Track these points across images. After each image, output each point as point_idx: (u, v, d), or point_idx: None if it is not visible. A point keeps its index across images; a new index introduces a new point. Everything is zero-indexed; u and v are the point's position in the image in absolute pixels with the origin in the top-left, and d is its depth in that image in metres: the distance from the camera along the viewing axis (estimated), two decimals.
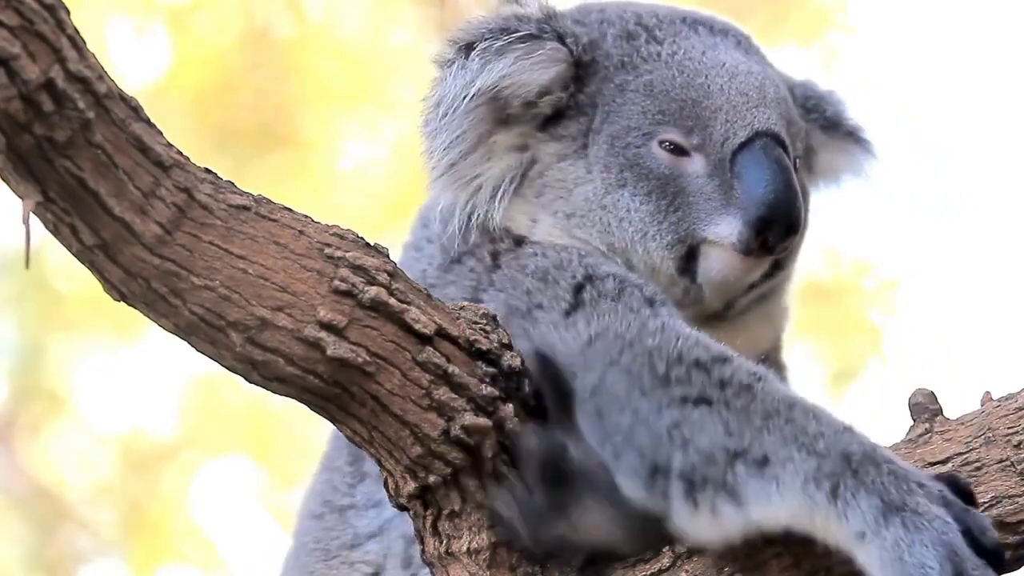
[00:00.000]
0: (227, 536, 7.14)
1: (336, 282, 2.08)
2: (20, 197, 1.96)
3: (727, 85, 2.34)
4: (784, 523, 1.97)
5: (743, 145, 2.30)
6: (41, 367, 7.47)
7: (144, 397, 7.32)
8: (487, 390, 2.13)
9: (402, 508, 2.19)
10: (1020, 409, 2.21)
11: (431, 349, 2.11)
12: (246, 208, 2.07)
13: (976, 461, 2.19)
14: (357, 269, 2.09)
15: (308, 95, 7.01)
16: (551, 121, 2.36)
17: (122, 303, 2.07)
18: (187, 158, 2.05)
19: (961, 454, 2.20)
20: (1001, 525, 2.16)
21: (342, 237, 2.12)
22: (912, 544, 1.90)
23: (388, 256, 2.14)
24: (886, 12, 7.35)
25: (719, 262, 2.31)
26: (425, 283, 2.32)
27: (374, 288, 2.09)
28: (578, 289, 2.23)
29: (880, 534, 1.91)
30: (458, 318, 2.16)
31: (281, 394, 2.16)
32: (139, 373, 7.27)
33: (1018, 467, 2.18)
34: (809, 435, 1.97)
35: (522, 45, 2.30)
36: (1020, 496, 2.17)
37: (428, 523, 2.17)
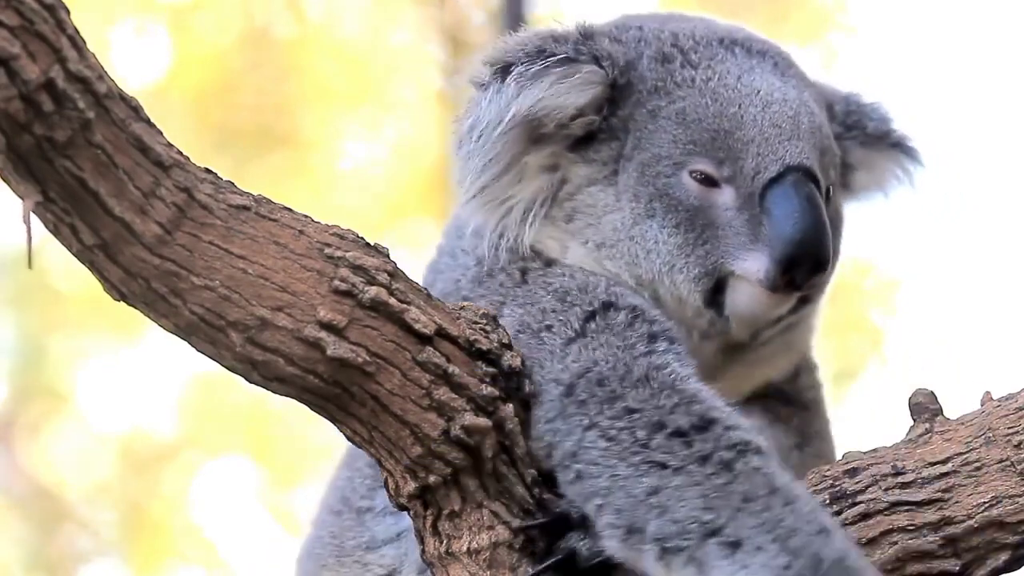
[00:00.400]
0: (227, 536, 7.15)
1: (336, 282, 2.08)
2: (20, 197, 1.96)
3: (760, 116, 2.28)
4: None
5: (773, 180, 2.25)
6: (41, 367, 7.48)
7: (144, 397, 7.32)
8: (487, 390, 2.13)
9: (402, 508, 2.19)
10: (1020, 409, 2.21)
11: (431, 349, 2.11)
12: (246, 208, 2.07)
13: (976, 461, 2.19)
14: (357, 269, 2.09)
15: (308, 95, 7.02)
16: (582, 142, 2.32)
17: (122, 303, 2.07)
18: (187, 158, 2.04)
19: (961, 454, 2.20)
20: (1001, 525, 2.16)
21: (342, 237, 2.12)
22: None
23: (388, 256, 2.14)
24: (886, 12, 7.35)
25: (746, 296, 2.27)
26: (459, 294, 2.33)
27: (374, 288, 2.09)
28: (589, 317, 2.20)
29: None
30: (458, 318, 2.16)
31: (281, 394, 2.16)
32: (139, 373, 7.28)
33: (1018, 467, 2.18)
34: (785, 528, 1.97)
35: (559, 69, 2.25)
36: (1020, 496, 2.17)
37: (428, 523, 2.17)
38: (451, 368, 2.11)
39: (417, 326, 2.10)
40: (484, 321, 2.18)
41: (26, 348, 7.37)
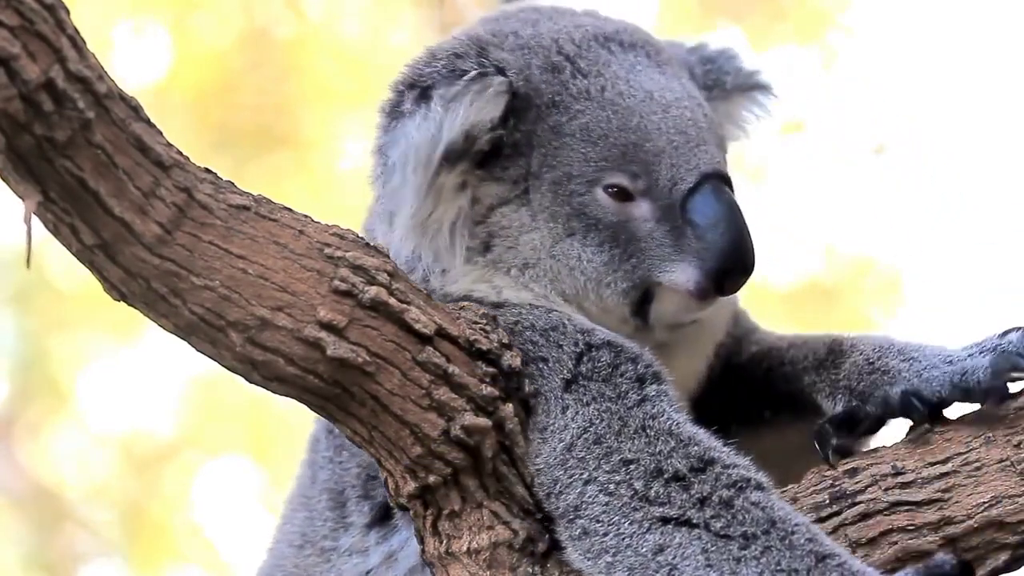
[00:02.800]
0: (227, 536, 7.14)
1: (336, 282, 2.08)
2: (20, 197, 1.96)
3: (663, 123, 2.28)
4: None
5: (691, 190, 2.26)
6: (41, 367, 7.47)
7: (144, 397, 7.32)
8: (487, 390, 2.13)
9: (402, 508, 2.19)
10: (1020, 409, 2.22)
11: (431, 349, 2.11)
12: (246, 208, 2.07)
13: (976, 461, 2.19)
14: (357, 269, 2.09)
15: (308, 95, 7.01)
16: (488, 159, 2.29)
17: (122, 303, 2.07)
18: (187, 158, 2.05)
19: (961, 454, 2.20)
20: (1001, 525, 2.17)
21: (342, 237, 2.12)
22: None
23: (388, 256, 2.14)
24: (886, 12, 7.35)
25: (673, 305, 2.29)
26: None
27: (374, 288, 2.09)
28: (579, 359, 2.20)
29: None
30: (458, 318, 2.16)
31: (281, 394, 2.16)
32: (139, 373, 7.28)
33: (1018, 467, 2.18)
34: (784, 570, 2.01)
35: (475, 85, 2.23)
36: (1020, 496, 2.17)
37: (428, 523, 2.17)
38: (451, 368, 2.11)
39: (417, 326, 2.10)
40: (484, 321, 2.18)
41: (26, 348, 7.37)
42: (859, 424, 2.23)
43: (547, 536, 2.16)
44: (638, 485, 2.10)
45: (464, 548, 2.15)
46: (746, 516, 2.05)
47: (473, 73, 2.23)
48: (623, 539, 2.08)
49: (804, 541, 2.04)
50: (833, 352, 2.32)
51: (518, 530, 2.15)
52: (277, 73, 7.18)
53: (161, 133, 2.02)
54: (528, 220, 2.28)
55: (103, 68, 1.96)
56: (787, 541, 2.03)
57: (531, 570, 2.15)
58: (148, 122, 2.00)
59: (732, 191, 2.29)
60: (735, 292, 2.31)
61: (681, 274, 2.26)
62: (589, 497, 2.11)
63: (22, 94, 1.88)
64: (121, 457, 7.49)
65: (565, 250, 2.27)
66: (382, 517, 2.31)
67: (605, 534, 2.09)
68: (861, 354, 2.29)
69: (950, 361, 2.21)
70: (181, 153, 2.04)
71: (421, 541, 2.19)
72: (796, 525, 2.05)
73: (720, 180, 2.28)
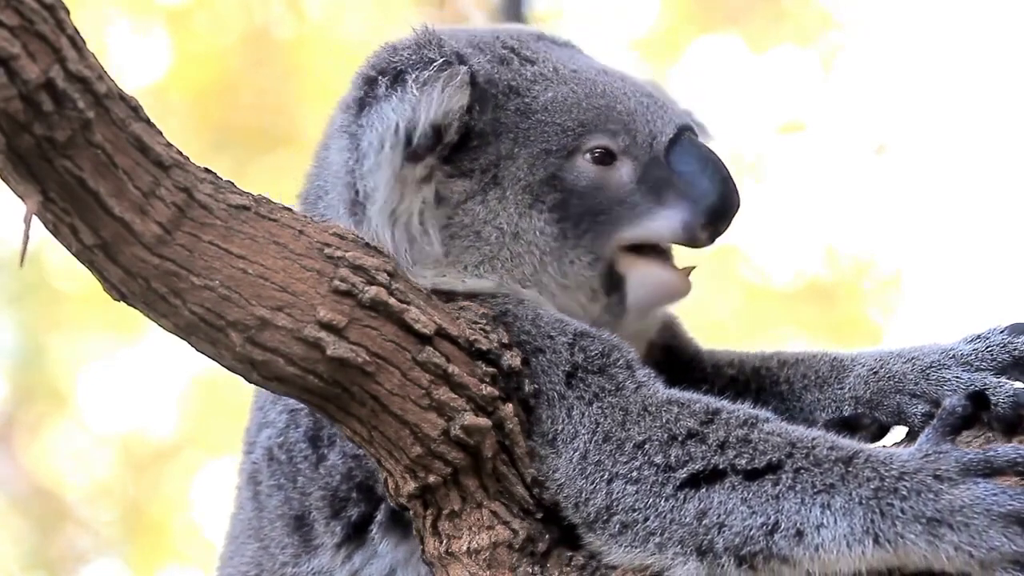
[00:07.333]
0: None
1: (336, 282, 2.08)
2: (20, 197, 1.96)
3: (626, 88, 2.35)
4: (846, 572, 2.03)
5: (673, 141, 2.32)
6: (41, 367, 7.48)
7: (144, 397, 7.32)
8: (487, 390, 2.13)
9: (402, 508, 2.19)
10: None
11: (431, 349, 2.11)
12: (246, 208, 2.07)
13: None
14: (357, 269, 2.09)
15: (308, 95, 7.02)
16: (454, 153, 2.29)
17: (122, 303, 2.07)
18: (187, 158, 2.04)
19: None
20: None
21: (342, 237, 2.12)
22: (973, 539, 1.96)
23: (388, 256, 2.14)
24: (886, 12, 7.35)
25: (650, 281, 2.31)
26: None
27: (374, 288, 2.09)
28: (571, 348, 2.21)
29: (941, 549, 1.97)
30: (458, 318, 2.16)
31: (281, 394, 2.16)
32: (139, 373, 7.28)
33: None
34: (820, 489, 2.03)
35: (445, 72, 2.26)
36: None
37: (428, 523, 2.17)
38: (451, 368, 2.12)
39: (417, 326, 2.10)
40: (484, 321, 2.18)
41: (26, 348, 7.38)
42: (859, 431, 2.23)
43: (547, 536, 2.16)
44: (658, 460, 2.11)
45: (464, 548, 2.16)
46: (766, 445, 2.07)
47: (440, 60, 2.26)
48: (664, 517, 2.09)
49: (827, 451, 2.05)
50: (836, 369, 2.34)
51: (518, 530, 2.15)
52: (277, 73, 7.19)
53: (161, 133, 2.02)
54: (495, 204, 2.29)
55: (103, 68, 1.95)
56: (811, 457, 2.05)
57: (531, 570, 2.15)
58: (148, 122, 2.00)
59: None
60: (721, 235, 2.33)
61: (663, 221, 2.29)
62: (617, 493, 2.12)
63: (22, 94, 1.88)
64: (121, 457, 7.50)
65: (529, 223, 2.28)
66: (354, 534, 2.30)
67: (646, 519, 2.10)
68: (863, 365, 2.31)
69: (952, 355, 2.22)
70: (181, 153, 2.04)
71: (421, 541, 2.19)
72: (814, 439, 2.07)
73: (692, 132, 2.34)
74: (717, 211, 2.28)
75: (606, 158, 2.30)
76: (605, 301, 2.32)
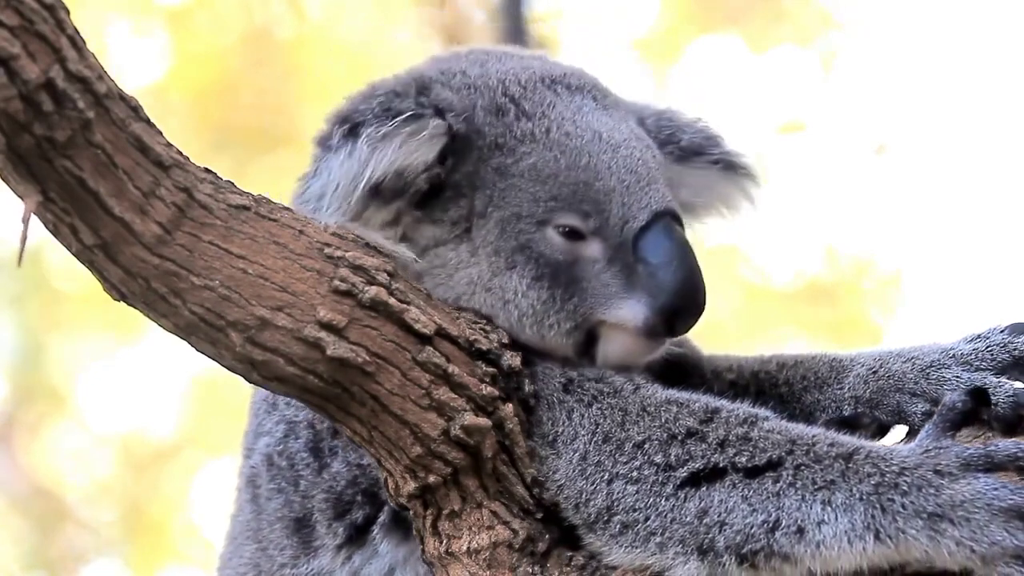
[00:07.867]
0: None
1: (336, 282, 2.08)
2: (20, 197, 1.96)
3: (612, 163, 2.28)
4: (847, 569, 2.04)
5: (644, 228, 2.25)
6: (41, 367, 7.48)
7: (144, 397, 7.33)
8: (487, 390, 2.13)
9: (402, 508, 2.19)
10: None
11: (431, 349, 2.11)
12: (246, 208, 2.07)
13: None
14: (357, 269, 2.09)
15: (308, 95, 7.02)
16: (426, 198, 2.28)
17: (122, 303, 2.07)
18: (187, 158, 2.04)
19: None
20: None
21: (342, 237, 2.12)
22: (974, 534, 1.96)
23: (388, 256, 2.14)
24: (886, 12, 7.35)
25: (621, 346, 2.27)
26: None
27: (374, 288, 2.09)
28: (563, 365, 2.22)
29: (942, 544, 1.98)
30: (458, 318, 2.16)
31: (281, 394, 2.16)
32: (139, 373, 7.28)
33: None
34: (821, 485, 2.04)
35: (407, 128, 2.21)
36: None
37: (428, 523, 2.17)
38: (451, 368, 2.12)
39: (417, 326, 2.10)
40: (484, 321, 2.19)
41: (26, 348, 7.38)
42: (859, 430, 2.23)
43: (547, 536, 2.16)
44: (658, 459, 2.11)
45: (464, 548, 2.16)
46: (766, 443, 2.08)
47: (408, 114, 2.22)
48: (665, 516, 2.10)
49: (827, 448, 2.06)
50: (835, 369, 2.33)
51: (518, 530, 2.15)
52: (277, 73, 7.19)
53: (161, 133, 2.02)
54: (467, 256, 2.26)
55: (103, 68, 1.95)
56: (811, 453, 2.06)
57: (531, 570, 2.15)
58: (148, 122, 2.00)
59: (683, 230, 2.29)
60: (685, 333, 2.30)
61: (628, 311, 2.24)
62: (617, 493, 2.12)
63: (22, 94, 1.88)
64: (121, 457, 7.50)
65: (502, 283, 2.25)
66: (356, 536, 2.30)
67: (647, 519, 2.10)
68: (863, 365, 2.30)
69: (952, 355, 2.22)
70: (181, 153, 2.04)
71: (421, 541, 2.19)
72: (814, 436, 2.08)
73: (672, 218, 2.27)
74: (672, 311, 2.22)
75: (574, 236, 2.25)
76: (575, 357, 2.27)
